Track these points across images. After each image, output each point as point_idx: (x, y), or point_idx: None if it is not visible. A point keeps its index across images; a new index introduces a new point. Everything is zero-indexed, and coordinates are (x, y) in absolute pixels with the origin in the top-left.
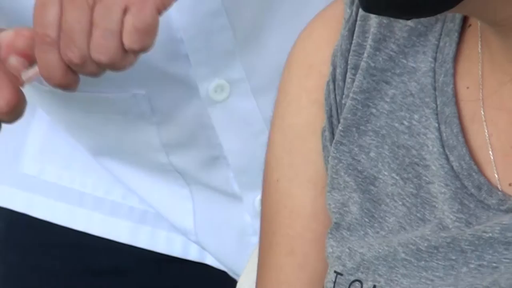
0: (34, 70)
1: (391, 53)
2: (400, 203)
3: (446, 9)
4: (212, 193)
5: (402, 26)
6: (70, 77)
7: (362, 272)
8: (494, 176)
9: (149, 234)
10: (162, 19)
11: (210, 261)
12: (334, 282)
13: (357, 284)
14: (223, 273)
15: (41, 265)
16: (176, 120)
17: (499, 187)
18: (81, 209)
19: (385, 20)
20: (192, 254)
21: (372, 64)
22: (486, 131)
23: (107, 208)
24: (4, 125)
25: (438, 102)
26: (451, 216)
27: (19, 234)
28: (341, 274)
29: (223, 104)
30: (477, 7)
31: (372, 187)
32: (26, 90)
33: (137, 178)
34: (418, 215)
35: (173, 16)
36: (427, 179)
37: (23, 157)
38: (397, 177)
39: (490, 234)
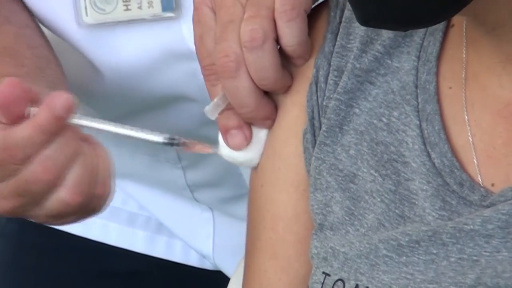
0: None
1: (377, 54)
2: (379, 199)
3: (444, 19)
4: (234, 219)
5: None
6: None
7: (345, 272)
8: (477, 176)
9: (165, 244)
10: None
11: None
12: (322, 283)
13: (339, 283)
14: None
15: (54, 268)
16: (203, 165)
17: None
18: (97, 219)
19: None
20: (208, 264)
21: (358, 65)
22: (469, 131)
23: (124, 218)
24: None
25: (419, 100)
26: (433, 214)
27: (32, 236)
28: (329, 275)
29: None
30: (477, 11)
31: (352, 185)
32: None
33: (159, 204)
34: (397, 211)
35: None
36: (406, 175)
37: None
38: (376, 174)
39: (471, 226)
